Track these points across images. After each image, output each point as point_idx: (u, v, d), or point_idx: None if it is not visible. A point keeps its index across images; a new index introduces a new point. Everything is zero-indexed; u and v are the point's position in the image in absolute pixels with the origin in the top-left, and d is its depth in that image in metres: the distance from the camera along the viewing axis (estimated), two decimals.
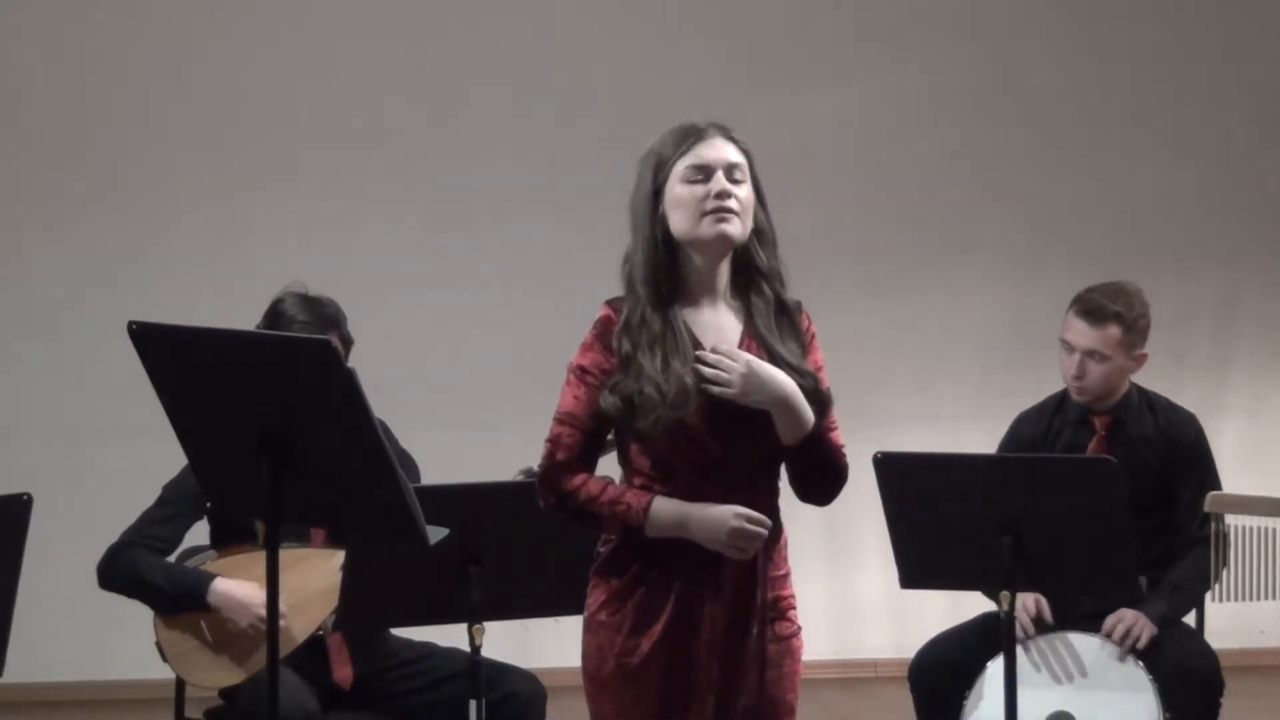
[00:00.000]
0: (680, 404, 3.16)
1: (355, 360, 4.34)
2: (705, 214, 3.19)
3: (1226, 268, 7.33)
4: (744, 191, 3.23)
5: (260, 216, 6.87)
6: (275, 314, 4.40)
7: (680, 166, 3.22)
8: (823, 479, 3.29)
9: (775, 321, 3.27)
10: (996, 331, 7.18)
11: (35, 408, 6.80)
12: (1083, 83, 7.26)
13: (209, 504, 3.98)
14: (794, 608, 3.34)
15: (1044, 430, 4.80)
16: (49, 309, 6.82)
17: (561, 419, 3.26)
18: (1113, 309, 4.64)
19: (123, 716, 6.48)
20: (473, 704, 3.82)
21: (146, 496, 4.49)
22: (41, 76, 6.82)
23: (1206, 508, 4.38)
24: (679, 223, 3.22)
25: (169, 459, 3.92)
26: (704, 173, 3.21)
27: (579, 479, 3.24)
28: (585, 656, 3.31)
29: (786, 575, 3.34)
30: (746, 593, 3.24)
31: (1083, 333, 4.65)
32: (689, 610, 3.23)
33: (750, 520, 3.17)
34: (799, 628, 3.35)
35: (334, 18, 6.95)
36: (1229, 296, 7.35)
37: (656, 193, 3.24)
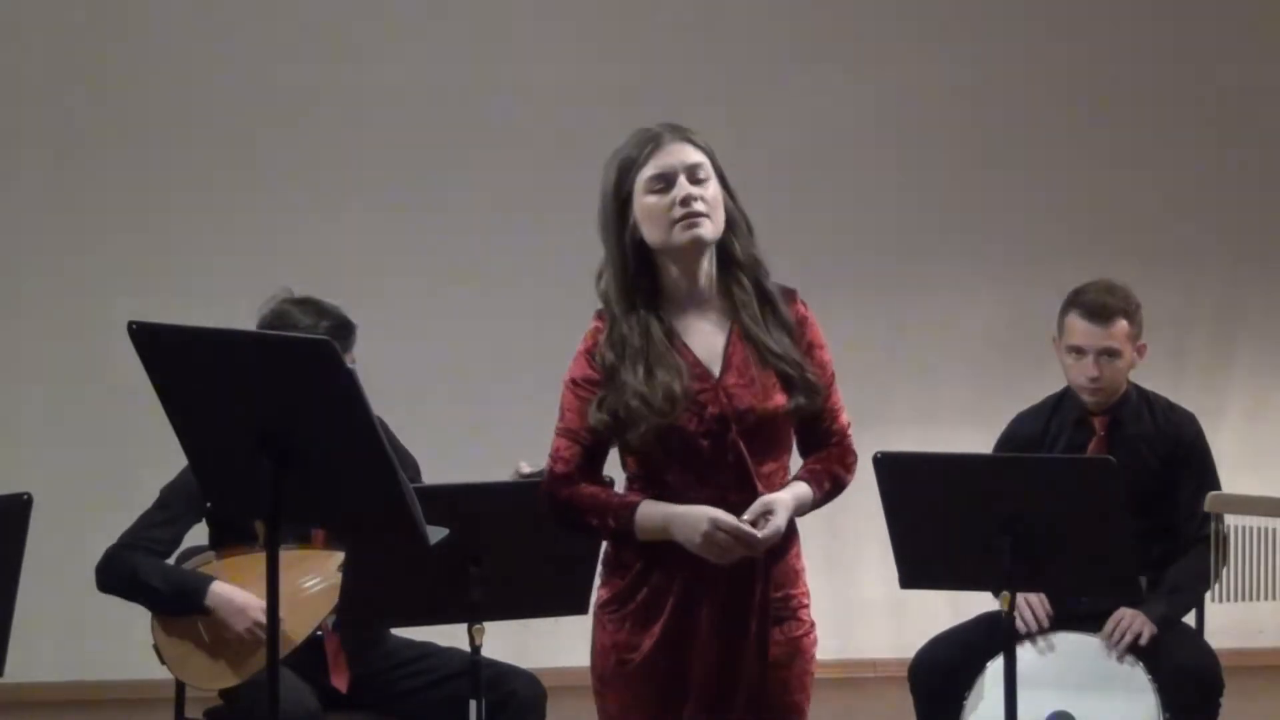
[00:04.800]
0: (667, 410, 3.17)
1: (355, 359, 4.36)
2: (675, 222, 3.20)
3: (1227, 268, 7.32)
4: (710, 190, 3.24)
5: (262, 217, 6.87)
6: (284, 325, 4.34)
7: (642, 177, 3.23)
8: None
9: (760, 311, 3.28)
10: (996, 331, 7.18)
11: (35, 408, 6.79)
12: (1085, 83, 7.25)
13: (208, 505, 3.98)
14: (806, 606, 3.35)
15: (1042, 430, 4.80)
16: (49, 309, 6.81)
17: (559, 432, 3.29)
18: (1115, 304, 4.66)
19: (123, 716, 6.48)
20: (473, 704, 3.82)
21: (146, 497, 4.49)
22: (42, 76, 6.82)
23: (1206, 508, 4.37)
24: (651, 234, 3.23)
25: (169, 459, 3.92)
26: (665, 180, 3.22)
27: (575, 489, 3.27)
28: (592, 653, 3.34)
29: (800, 573, 3.35)
30: (744, 590, 3.25)
31: (1092, 334, 4.64)
32: (688, 608, 3.25)
33: (726, 528, 3.16)
34: (811, 625, 3.35)
35: (335, 19, 6.95)
36: (1229, 297, 7.34)
37: (625, 202, 3.24)
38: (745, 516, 3.17)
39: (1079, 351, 4.67)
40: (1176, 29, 7.29)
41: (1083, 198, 7.25)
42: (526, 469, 4.01)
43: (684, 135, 3.27)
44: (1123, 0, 7.30)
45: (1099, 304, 4.65)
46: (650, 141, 3.25)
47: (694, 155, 3.24)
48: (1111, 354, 4.65)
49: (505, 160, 6.95)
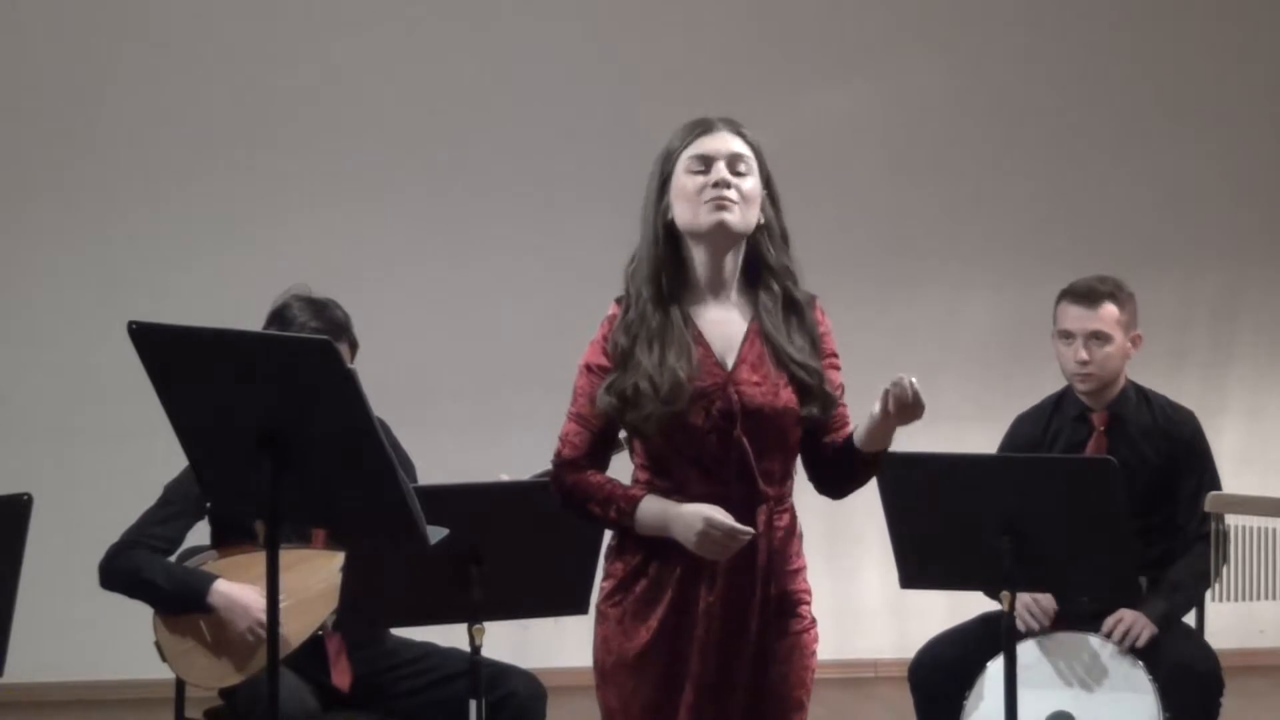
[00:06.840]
0: (672, 399, 3.18)
1: (357, 359, 4.36)
2: (704, 203, 3.22)
3: (1226, 267, 7.33)
4: (748, 184, 3.25)
5: (262, 216, 6.87)
6: (283, 319, 4.37)
7: (684, 157, 3.26)
8: (850, 483, 3.36)
9: (783, 318, 3.29)
10: (997, 332, 7.18)
11: (35, 408, 6.79)
12: (1084, 84, 7.26)
13: (209, 504, 3.98)
14: (807, 603, 3.34)
15: (1042, 429, 4.81)
16: (49, 309, 6.82)
17: (571, 416, 3.30)
18: (1103, 289, 4.72)
19: (123, 716, 6.48)
20: (473, 704, 3.82)
21: (146, 496, 4.49)
22: (43, 75, 6.82)
23: (1206, 508, 4.38)
24: (680, 213, 3.25)
25: (169, 459, 3.92)
26: (705, 163, 3.24)
27: (581, 476, 3.28)
28: (593, 647, 3.34)
29: (800, 570, 3.34)
30: (745, 587, 3.25)
31: (1080, 317, 4.68)
32: (685, 602, 3.25)
33: (720, 528, 3.16)
34: (812, 621, 3.34)
35: (340, 18, 6.95)
36: (1229, 296, 7.35)
37: (663, 185, 3.27)
38: (905, 379, 3.22)
39: (1068, 336, 4.71)
40: (1177, 30, 7.29)
41: (1083, 198, 7.25)
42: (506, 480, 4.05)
43: (735, 127, 3.30)
44: (1122, 1, 7.31)
45: (1086, 288, 4.72)
46: (700, 127, 3.28)
47: (739, 147, 3.27)
48: (1100, 338, 4.67)
49: (511, 161, 6.95)
